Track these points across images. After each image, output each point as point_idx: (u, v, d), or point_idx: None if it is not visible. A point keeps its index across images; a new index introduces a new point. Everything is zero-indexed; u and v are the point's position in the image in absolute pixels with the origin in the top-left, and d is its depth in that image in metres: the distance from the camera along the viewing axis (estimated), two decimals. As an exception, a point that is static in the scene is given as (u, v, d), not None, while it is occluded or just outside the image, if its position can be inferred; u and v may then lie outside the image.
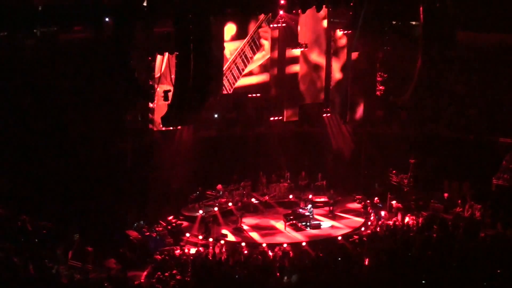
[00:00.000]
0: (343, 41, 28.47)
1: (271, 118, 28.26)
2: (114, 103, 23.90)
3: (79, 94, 22.98)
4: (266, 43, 27.32)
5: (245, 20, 26.41)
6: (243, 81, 27.16)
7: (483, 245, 21.22)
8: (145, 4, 22.02)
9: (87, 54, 22.74)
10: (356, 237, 23.32)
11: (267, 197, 27.32)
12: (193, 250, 22.50)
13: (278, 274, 19.26)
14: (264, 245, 22.64)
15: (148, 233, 23.28)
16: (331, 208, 26.56)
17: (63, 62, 22.57)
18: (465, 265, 19.09)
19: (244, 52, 26.82)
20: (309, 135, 29.39)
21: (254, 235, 24.33)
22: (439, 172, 27.30)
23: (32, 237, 19.47)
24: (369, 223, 25.27)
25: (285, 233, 24.52)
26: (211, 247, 22.40)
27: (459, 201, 25.54)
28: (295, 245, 22.71)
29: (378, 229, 23.83)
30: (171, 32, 22.03)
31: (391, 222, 24.42)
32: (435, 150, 27.62)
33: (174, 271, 19.37)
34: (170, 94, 22.11)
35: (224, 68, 26.23)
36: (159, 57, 23.98)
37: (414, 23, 26.79)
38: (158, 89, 24.13)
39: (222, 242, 22.95)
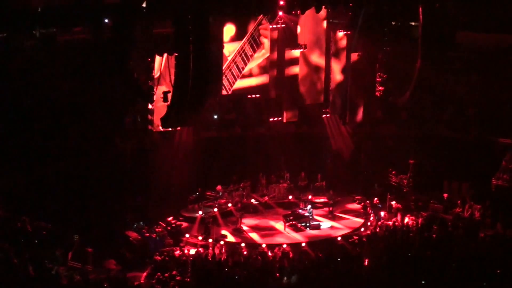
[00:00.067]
0: (344, 42, 28.44)
1: (271, 119, 28.24)
2: (113, 104, 23.91)
3: (78, 95, 22.99)
4: (266, 41, 27.24)
5: (244, 21, 26.37)
6: (243, 83, 27.09)
7: (483, 245, 21.26)
8: (144, 5, 22.03)
9: (87, 55, 22.73)
10: (355, 237, 23.33)
11: (266, 198, 27.31)
12: (192, 251, 22.48)
13: (277, 274, 19.29)
14: (263, 245, 22.63)
15: (148, 234, 23.27)
16: (330, 208, 26.54)
17: (62, 63, 22.58)
18: (465, 265, 19.12)
19: (244, 50, 26.72)
20: (308, 135, 29.36)
21: (254, 236, 24.32)
22: (439, 172, 27.31)
23: (32, 238, 19.49)
24: (369, 223, 25.24)
25: (285, 234, 24.51)
26: (210, 248, 22.39)
27: (459, 201, 25.55)
28: (294, 246, 22.71)
29: (377, 229, 23.82)
30: (170, 32, 22.04)
31: (390, 223, 24.41)
32: (435, 151, 27.62)
33: (174, 272, 19.39)
34: (169, 95, 22.12)
35: (223, 68, 26.19)
36: (158, 58, 23.98)
37: (413, 23, 26.81)
38: (157, 91, 24.11)
39: (222, 242, 22.95)
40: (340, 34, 28.17)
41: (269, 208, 27.01)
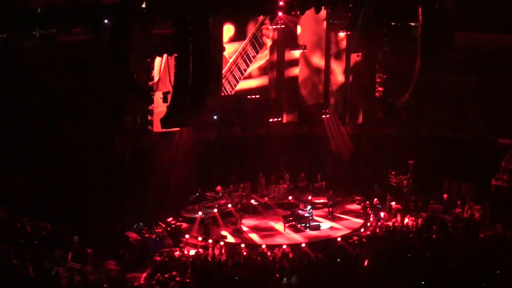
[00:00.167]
0: (345, 43, 28.41)
1: (271, 120, 28.24)
2: (113, 105, 23.91)
3: (78, 96, 23.00)
4: (269, 42, 27.16)
5: (243, 21, 26.34)
6: (242, 84, 27.06)
7: (483, 246, 21.24)
8: (143, 5, 22.02)
9: (86, 56, 22.76)
10: (355, 238, 23.34)
11: (266, 199, 27.32)
12: (192, 252, 22.50)
13: (277, 275, 19.24)
14: (263, 246, 22.65)
15: (147, 235, 23.26)
16: (330, 209, 26.54)
17: (62, 64, 22.60)
18: (465, 266, 19.11)
19: (246, 51, 26.64)
20: (308, 136, 29.35)
21: (254, 237, 24.32)
22: (438, 173, 27.32)
23: (31, 239, 19.48)
24: (369, 224, 25.26)
25: (285, 234, 24.52)
26: (210, 249, 22.41)
27: (459, 202, 25.56)
28: (294, 246, 22.72)
29: (377, 230, 23.83)
30: (170, 33, 22.03)
31: (390, 223, 24.45)
32: (434, 151, 27.64)
33: (174, 273, 19.38)
34: (169, 96, 22.11)
35: (224, 70, 26.15)
36: (157, 61, 23.94)
37: (413, 24, 26.80)
38: (156, 92, 24.10)
39: (222, 243, 22.97)
40: (342, 34, 28.15)
41: (269, 209, 27.01)
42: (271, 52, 27.34)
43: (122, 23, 21.34)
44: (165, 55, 23.71)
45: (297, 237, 24.14)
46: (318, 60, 28.45)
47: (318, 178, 28.43)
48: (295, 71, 27.98)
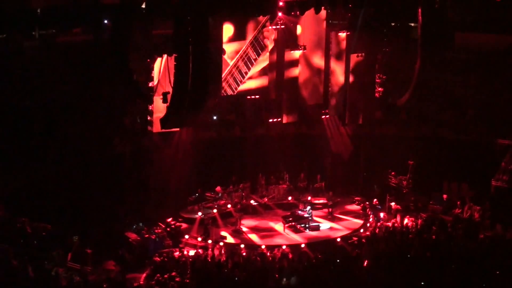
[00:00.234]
0: (345, 44, 28.35)
1: (270, 120, 28.21)
2: (112, 105, 23.91)
3: (78, 96, 23.00)
4: (270, 44, 26.99)
5: (243, 21, 26.28)
6: (242, 85, 26.98)
7: (482, 246, 21.25)
8: (143, 6, 22.03)
9: (86, 56, 22.76)
10: (355, 238, 23.34)
11: (266, 199, 27.31)
12: (192, 252, 22.48)
13: (277, 276, 19.26)
14: (263, 247, 22.65)
15: (147, 235, 23.25)
16: (330, 209, 26.53)
17: (62, 64, 22.61)
18: (464, 267, 19.12)
19: (247, 54, 26.53)
20: (308, 136, 29.33)
21: (253, 237, 24.32)
22: (438, 173, 27.30)
23: (31, 239, 19.48)
24: (368, 224, 25.25)
25: (284, 235, 24.52)
26: (210, 249, 22.39)
27: (458, 202, 25.54)
28: (294, 247, 22.70)
29: (377, 230, 23.81)
30: (170, 33, 22.03)
31: (390, 224, 24.45)
32: (434, 152, 27.61)
33: (173, 273, 19.41)
34: (169, 96, 22.11)
35: (224, 73, 26.06)
36: (156, 64, 23.93)
37: (412, 24, 26.81)
38: (156, 92, 24.09)
39: (221, 244, 22.96)
40: (342, 35, 28.10)
41: (269, 209, 27.01)
42: (271, 53, 27.29)
43: (122, 24, 21.36)
44: (165, 56, 23.69)
45: (296, 238, 24.14)
46: (318, 61, 28.39)
47: (317, 178, 28.42)
48: (295, 71, 27.90)
